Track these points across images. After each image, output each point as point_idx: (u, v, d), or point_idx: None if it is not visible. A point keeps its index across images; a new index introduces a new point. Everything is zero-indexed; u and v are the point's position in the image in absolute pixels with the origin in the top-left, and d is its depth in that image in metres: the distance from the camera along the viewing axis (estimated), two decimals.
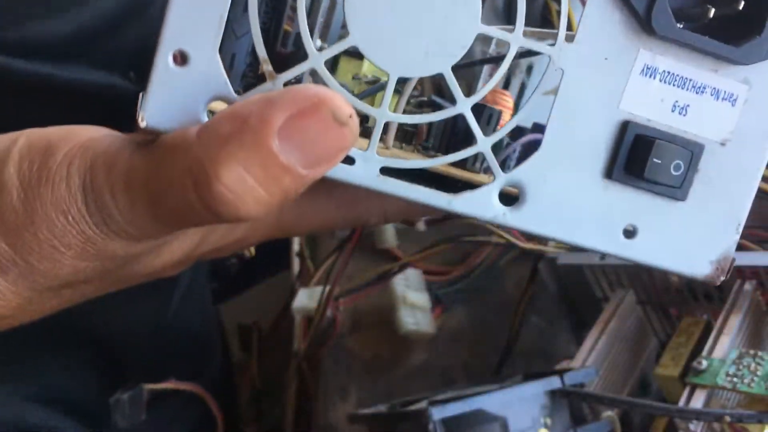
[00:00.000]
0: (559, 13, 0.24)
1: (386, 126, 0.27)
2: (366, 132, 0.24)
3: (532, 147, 0.26)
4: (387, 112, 0.23)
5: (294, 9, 0.32)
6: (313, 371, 0.59)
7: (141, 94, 0.22)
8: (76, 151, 0.22)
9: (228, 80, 0.22)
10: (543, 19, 0.40)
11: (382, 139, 0.25)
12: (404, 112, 0.30)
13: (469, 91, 0.24)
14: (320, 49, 0.22)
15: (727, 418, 0.33)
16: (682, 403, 0.36)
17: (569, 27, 0.24)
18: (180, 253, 0.27)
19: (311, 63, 0.22)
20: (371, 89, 0.29)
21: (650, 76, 0.25)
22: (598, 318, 0.44)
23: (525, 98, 0.36)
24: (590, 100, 0.24)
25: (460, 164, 0.28)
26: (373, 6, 0.22)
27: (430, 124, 0.30)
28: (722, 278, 0.26)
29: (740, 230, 0.26)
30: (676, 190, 0.25)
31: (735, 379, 0.36)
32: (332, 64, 0.33)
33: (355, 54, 0.33)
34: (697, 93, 0.25)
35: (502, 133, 0.24)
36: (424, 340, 0.55)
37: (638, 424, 0.42)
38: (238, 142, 0.20)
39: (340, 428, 0.53)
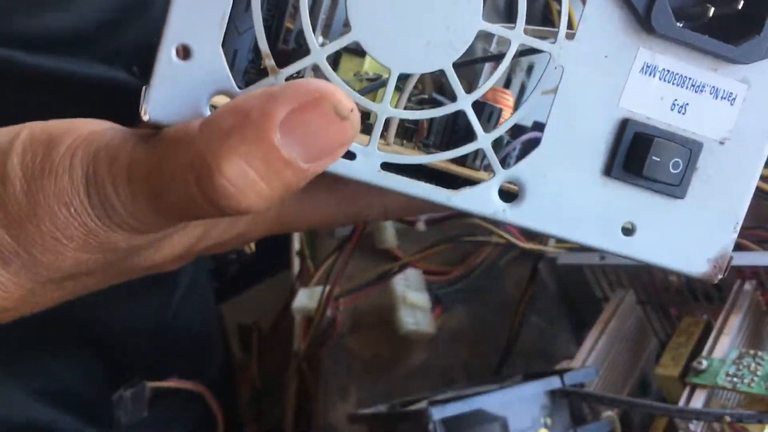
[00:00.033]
0: (559, 12, 0.24)
1: (387, 123, 0.27)
2: (367, 129, 0.24)
3: (532, 145, 0.26)
4: (388, 107, 0.23)
5: (296, 7, 0.32)
6: (313, 371, 0.59)
7: (144, 88, 0.22)
8: (78, 144, 0.23)
9: (230, 74, 0.22)
10: (544, 18, 0.40)
11: (382, 136, 0.25)
12: (405, 109, 0.30)
13: (470, 90, 0.24)
14: (322, 45, 0.23)
15: (727, 418, 0.33)
16: (682, 403, 0.36)
17: (570, 26, 0.24)
18: (181, 247, 0.27)
19: (313, 58, 0.22)
20: (373, 86, 0.30)
21: (650, 74, 0.25)
22: (598, 318, 0.44)
23: (525, 96, 0.37)
24: (590, 98, 0.25)
25: (461, 161, 0.28)
26: (375, 2, 0.22)
27: (431, 122, 0.30)
28: (720, 276, 0.26)
29: (738, 229, 0.26)
30: (675, 188, 0.25)
31: (735, 379, 0.36)
32: (334, 62, 0.33)
33: (356, 52, 0.34)
34: (696, 92, 0.25)
35: (502, 129, 0.24)
36: (424, 340, 0.55)
37: (638, 424, 0.42)
38: (240, 135, 0.20)
39: (340, 428, 0.53)
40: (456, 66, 0.23)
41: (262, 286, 0.73)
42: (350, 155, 0.24)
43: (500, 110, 0.29)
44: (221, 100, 0.23)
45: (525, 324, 0.51)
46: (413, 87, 0.30)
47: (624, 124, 0.25)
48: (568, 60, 0.24)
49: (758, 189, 0.31)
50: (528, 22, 0.23)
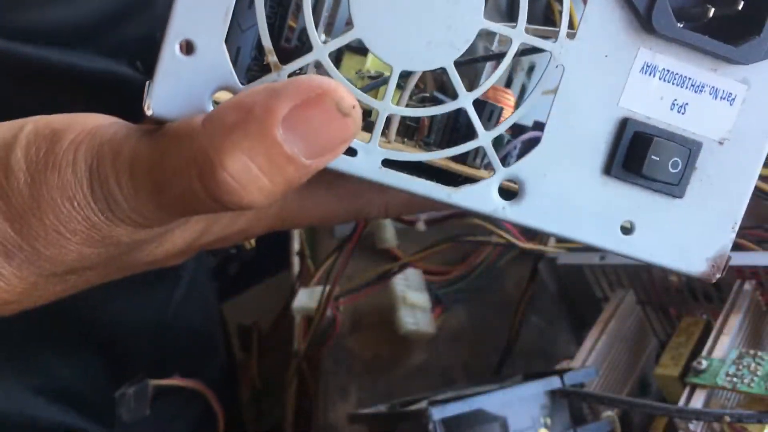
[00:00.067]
0: (561, 13, 0.24)
1: (388, 120, 0.27)
2: (368, 126, 0.25)
3: (532, 144, 0.26)
4: (390, 104, 0.23)
5: (299, 6, 0.32)
6: (313, 371, 0.59)
7: (147, 83, 0.23)
8: (82, 138, 0.23)
9: (233, 70, 0.23)
10: (546, 19, 0.40)
11: (384, 134, 0.25)
12: (407, 107, 0.30)
13: (471, 89, 0.24)
14: (324, 43, 0.23)
15: (727, 418, 0.33)
16: (681, 403, 0.36)
17: (571, 25, 0.25)
18: (182, 242, 0.27)
19: (316, 55, 0.23)
20: (374, 83, 0.30)
21: (650, 74, 0.25)
22: (598, 318, 0.44)
23: (526, 95, 0.37)
24: (590, 97, 0.25)
25: (461, 160, 0.28)
26: (378, 0, 0.22)
27: (432, 120, 0.30)
28: (718, 276, 0.26)
29: (736, 229, 0.26)
30: (674, 187, 0.25)
31: (735, 379, 0.36)
32: (336, 60, 0.33)
33: (358, 50, 0.34)
34: (696, 92, 0.25)
35: (502, 127, 0.24)
36: (424, 340, 0.55)
37: (638, 424, 0.42)
38: (243, 131, 0.21)
39: (340, 428, 0.53)
40: (457, 65, 0.24)
41: (262, 286, 0.74)
42: (352, 152, 0.24)
43: (501, 109, 0.29)
44: (223, 96, 0.23)
45: (525, 324, 0.51)
46: (414, 86, 0.30)
47: (624, 123, 0.25)
48: (568, 59, 0.24)
49: (758, 189, 0.31)
50: (529, 22, 0.24)
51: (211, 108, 0.23)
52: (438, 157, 0.24)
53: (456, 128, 0.30)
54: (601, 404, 0.40)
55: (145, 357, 0.50)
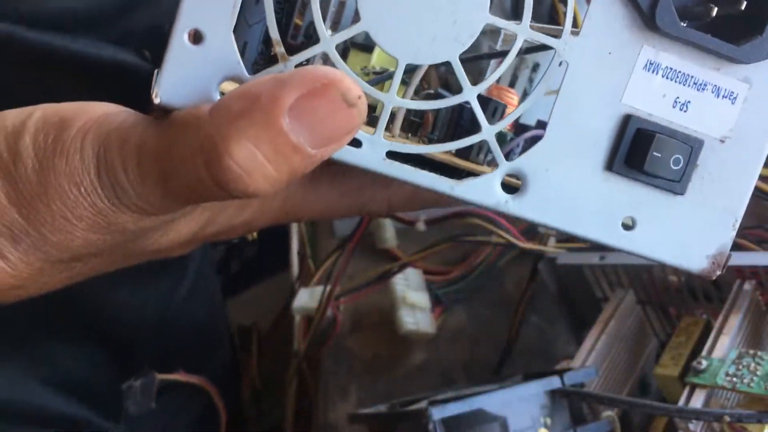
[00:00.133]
0: (565, 14, 0.25)
1: (393, 115, 0.27)
2: (373, 122, 0.25)
3: (535, 142, 0.26)
4: (395, 97, 0.24)
5: (305, 3, 0.32)
6: (313, 371, 0.59)
7: (156, 71, 0.23)
8: (90, 125, 0.23)
9: (241, 60, 0.23)
10: (550, 19, 0.41)
11: (388, 128, 0.25)
12: (409, 110, 0.30)
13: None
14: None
15: (727, 418, 0.33)
16: (681, 403, 0.36)
17: (574, 25, 0.25)
18: (187, 232, 0.27)
19: (323, 46, 0.23)
20: (379, 77, 0.30)
21: (653, 71, 0.25)
22: (598, 318, 0.44)
23: (530, 89, 0.37)
24: (593, 93, 0.25)
25: (465, 155, 0.28)
26: None
27: (436, 116, 0.30)
28: (718, 272, 0.27)
29: (737, 226, 0.27)
30: (675, 184, 0.26)
31: (734, 379, 0.36)
32: (341, 57, 0.34)
33: (363, 47, 0.34)
34: (698, 90, 0.25)
35: (507, 120, 0.25)
36: (424, 340, 0.55)
37: (638, 424, 0.42)
38: (249, 119, 0.21)
39: (340, 428, 0.53)
40: (462, 61, 0.24)
41: (262, 286, 0.74)
42: (356, 143, 0.24)
43: (505, 106, 0.29)
44: (230, 87, 0.23)
45: (525, 324, 0.51)
46: (419, 84, 0.30)
47: (626, 120, 0.25)
48: (572, 55, 0.24)
49: (758, 189, 0.31)
50: (534, 23, 0.24)
51: (218, 97, 0.23)
52: (442, 149, 0.25)
53: (459, 124, 0.30)
54: (601, 404, 0.40)
55: (149, 349, 0.50)
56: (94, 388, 0.46)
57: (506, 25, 0.24)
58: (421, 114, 0.30)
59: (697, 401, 0.36)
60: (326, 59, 0.23)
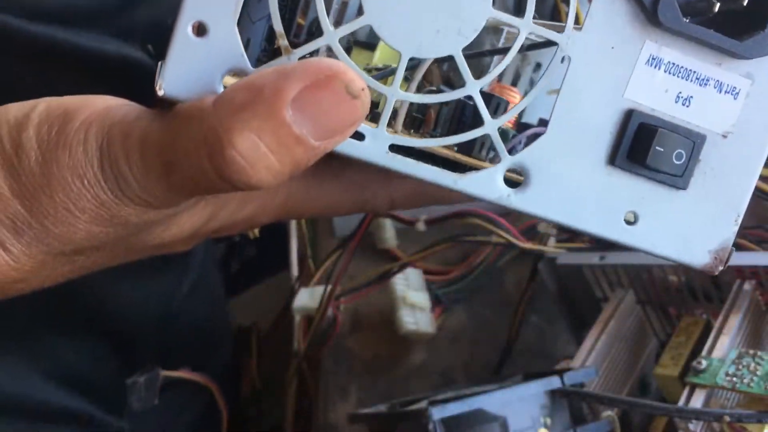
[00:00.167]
0: (567, 13, 0.25)
1: (395, 112, 0.27)
2: (375, 118, 0.25)
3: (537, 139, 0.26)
4: (398, 90, 0.24)
5: (307, 2, 0.32)
6: (313, 371, 0.59)
7: (160, 63, 0.23)
8: (94, 118, 0.23)
9: (244, 53, 0.23)
10: (552, 19, 0.41)
11: (390, 125, 0.25)
12: (411, 107, 0.30)
13: None
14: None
15: (727, 418, 0.33)
16: (681, 402, 0.36)
17: (577, 22, 0.25)
18: (190, 227, 0.27)
19: (326, 39, 0.23)
20: (383, 72, 0.30)
21: (655, 66, 0.25)
22: (598, 318, 0.44)
23: (534, 83, 0.37)
24: (596, 88, 0.25)
25: (467, 151, 0.28)
26: None
27: (438, 114, 0.30)
28: (720, 268, 0.27)
29: (739, 222, 0.27)
30: (678, 178, 0.26)
31: (734, 379, 0.36)
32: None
33: (366, 45, 0.34)
34: (700, 85, 0.26)
35: (510, 114, 0.25)
36: (424, 340, 0.55)
37: (638, 424, 0.42)
38: (252, 111, 0.21)
39: (340, 428, 0.53)
40: (465, 58, 0.24)
41: (262, 286, 0.74)
42: (359, 136, 0.24)
43: (507, 102, 0.29)
44: (232, 81, 0.23)
45: (525, 324, 0.51)
46: (421, 81, 0.30)
47: (629, 114, 0.25)
48: (575, 50, 0.25)
49: (758, 189, 0.31)
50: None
51: (221, 89, 0.23)
52: (445, 143, 0.25)
53: (462, 121, 0.30)
54: (601, 404, 0.40)
55: (151, 345, 0.50)
56: (96, 383, 0.46)
57: (509, 19, 0.24)
58: (423, 111, 0.30)
59: (697, 401, 0.36)
60: (330, 54, 0.23)
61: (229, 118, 0.21)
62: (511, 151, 0.31)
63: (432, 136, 0.31)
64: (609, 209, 0.26)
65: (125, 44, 0.37)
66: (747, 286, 0.40)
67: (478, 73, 0.35)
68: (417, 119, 0.30)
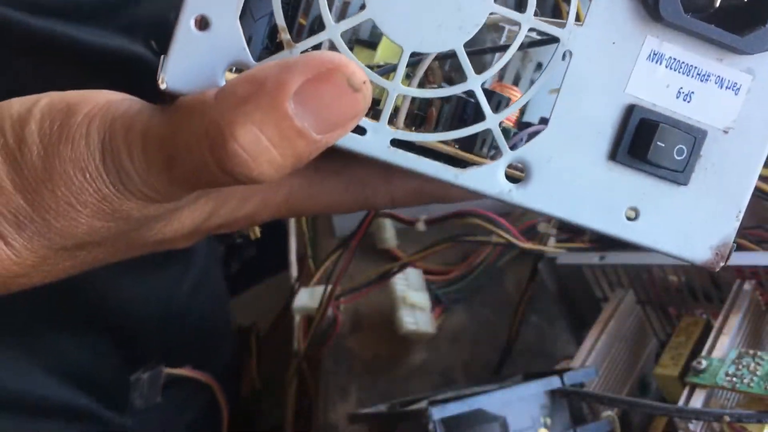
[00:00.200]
0: (569, 13, 0.25)
1: (397, 109, 0.27)
2: (377, 116, 0.25)
3: None
4: (399, 85, 0.24)
5: (309, 3, 0.32)
6: (313, 371, 0.59)
7: (162, 57, 0.23)
8: (96, 112, 0.23)
9: (246, 47, 0.23)
10: (554, 18, 0.41)
11: (392, 122, 0.25)
12: (413, 104, 0.30)
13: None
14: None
15: (727, 418, 0.33)
16: (681, 402, 0.36)
17: (578, 20, 0.25)
18: (191, 223, 0.27)
19: (328, 33, 0.23)
20: (384, 69, 0.30)
21: (656, 62, 0.25)
22: (598, 318, 0.44)
23: (537, 77, 0.37)
24: (597, 83, 0.25)
25: (468, 148, 0.28)
26: None
27: (440, 112, 0.30)
28: (722, 264, 0.27)
29: (740, 218, 0.27)
30: (679, 174, 0.26)
31: (734, 379, 0.36)
32: None
33: (368, 44, 0.34)
34: (701, 81, 0.26)
35: (512, 108, 0.25)
36: (424, 340, 0.55)
37: (638, 424, 0.42)
38: (254, 104, 0.21)
39: (340, 428, 0.53)
40: (467, 55, 0.24)
41: (262, 286, 0.74)
42: (361, 131, 0.24)
43: (508, 99, 0.29)
44: (233, 77, 0.23)
45: (525, 324, 0.51)
46: (423, 79, 0.30)
47: (630, 109, 0.25)
48: (576, 45, 0.25)
49: (758, 189, 0.31)
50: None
51: (223, 84, 0.23)
52: (446, 138, 0.25)
53: (463, 119, 0.30)
54: (601, 404, 0.40)
55: (154, 342, 0.50)
56: (98, 380, 0.46)
57: (510, 13, 0.24)
58: (425, 109, 0.30)
59: (697, 401, 0.36)
60: (332, 48, 0.23)
61: (231, 111, 0.21)
62: (513, 149, 0.31)
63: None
64: (610, 205, 0.26)
65: (128, 40, 0.37)
66: (747, 286, 0.40)
67: (480, 69, 0.35)
68: (419, 117, 0.30)
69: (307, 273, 0.61)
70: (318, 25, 0.24)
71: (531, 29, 0.24)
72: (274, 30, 0.29)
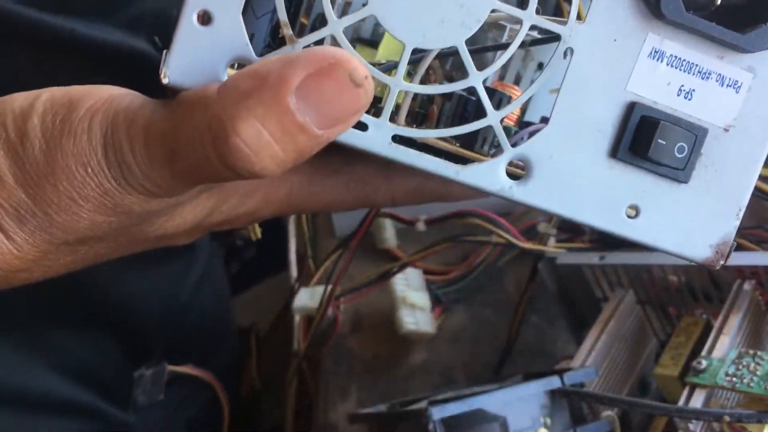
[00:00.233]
0: (570, 7, 0.25)
1: (398, 106, 0.27)
2: (378, 113, 0.25)
3: None
4: (401, 81, 0.24)
5: (311, 3, 0.33)
6: (313, 371, 0.59)
7: (164, 52, 0.23)
8: (98, 107, 0.23)
9: (249, 42, 0.23)
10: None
11: (393, 119, 0.25)
12: (414, 102, 0.30)
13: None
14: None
15: (727, 418, 0.33)
16: (681, 402, 0.36)
17: (579, 18, 0.25)
18: (192, 219, 0.27)
19: (331, 29, 0.23)
20: (386, 66, 0.30)
21: (658, 59, 0.25)
22: (598, 318, 0.44)
23: (538, 74, 0.37)
24: (598, 80, 0.25)
25: (469, 146, 0.28)
26: None
27: (441, 110, 0.30)
28: (722, 262, 0.27)
29: (741, 216, 0.27)
30: (679, 172, 0.26)
31: (734, 379, 0.36)
32: None
33: (369, 42, 0.34)
34: (702, 78, 0.26)
35: (513, 105, 0.25)
36: (424, 340, 0.55)
37: (638, 424, 0.42)
38: (257, 98, 0.21)
39: (340, 428, 0.53)
40: (469, 54, 0.24)
41: (262, 286, 0.74)
42: (362, 126, 0.24)
43: (510, 97, 0.29)
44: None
45: (525, 324, 0.51)
46: (425, 76, 0.30)
47: (631, 107, 0.25)
48: (578, 42, 0.25)
49: (758, 189, 0.31)
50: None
51: (225, 79, 0.23)
52: (447, 134, 0.25)
53: (464, 117, 0.30)
54: (601, 404, 0.40)
55: (156, 339, 0.50)
56: (100, 376, 0.46)
57: (512, 10, 0.24)
58: (426, 106, 0.30)
59: (697, 401, 0.36)
60: (334, 44, 0.23)
61: (234, 105, 0.21)
62: (513, 146, 0.31)
63: None
64: (610, 202, 0.26)
65: (130, 35, 0.37)
66: (747, 286, 0.40)
67: (482, 67, 0.35)
68: (420, 115, 0.30)
69: (307, 273, 0.61)
70: (320, 23, 0.24)
71: (533, 27, 0.24)
72: (276, 28, 0.29)
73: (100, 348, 0.46)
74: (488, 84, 0.34)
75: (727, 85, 0.26)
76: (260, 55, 0.24)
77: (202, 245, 0.53)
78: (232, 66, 0.24)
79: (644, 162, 0.25)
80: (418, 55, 0.25)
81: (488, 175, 0.25)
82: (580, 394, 0.39)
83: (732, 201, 0.26)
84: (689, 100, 0.26)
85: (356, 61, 0.21)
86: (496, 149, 0.27)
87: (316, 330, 0.54)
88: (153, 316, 0.49)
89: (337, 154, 0.29)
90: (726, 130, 0.26)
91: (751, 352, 0.37)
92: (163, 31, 0.24)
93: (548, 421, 0.39)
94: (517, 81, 0.38)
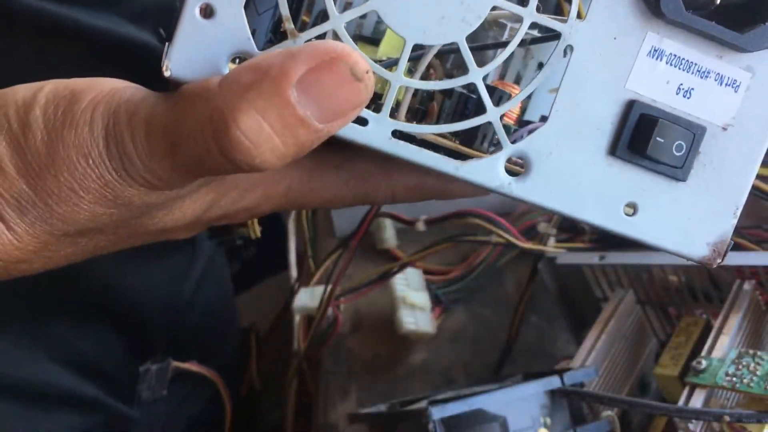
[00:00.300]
0: (570, 9, 0.25)
1: (398, 103, 0.27)
2: (379, 110, 0.25)
3: None
4: (401, 76, 0.24)
5: (312, 3, 0.33)
6: (313, 371, 0.59)
7: (167, 45, 0.23)
8: (100, 99, 0.23)
9: (251, 36, 0.23)
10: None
11: (393, 115, 0.25)
12: (415, 98, 0.30)
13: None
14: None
15: (727, 418, 0.33)
16: (681, 402, 0.36)
17: (579, 17, 0.25)
18: (192, 213, 0.28)
19: (332, 24, 0.23)
20: (387, 62, 0.30)
21: (657, 58, 0.25)
22: (598, 318, 0.44)
23: (538, 72, 0.37)
24: (598, 78, 0.25)
25: (469, 143, 0.28)
26: None
27: (441, 107, 0.30)
28: (719, 261, 0.27)
29: (738, 214, 0.27)
30: (678, 170, 0.26)
31: (734, 379, 0.36)
32: None
33: (370, 40, 0.35)
34: (701, 77, 0.26)
35: (512, 102, 0.25)
36: (424, 340, 0.55)
37: (637, 424, 0.42)
38: (258, 91, 0.21)
39: (340, 428, 0.53)
40: (470, 51, 0.24)
41: (262, 286, 0.74)
42: (363, 121, 0.24)
43: (509, 95, 0.29)
44: None
45: (525, 324, 0.51)
46: (425, 74, 0.30)
47: (630, 105, 0.25)
48: (577, 40, 0.25)
49: (758, 189, 0.31)
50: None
51: (227, 72, 0.23)
52: (447, 130, 0.25)
53: (464, 114, 0.30)
54: (601, 404, 0.40)
55: (159, 334, 0.50)
56: (103, 369, 0.46)
57: (513, 7, 0.24)
58: (426, 103, 0.30)
59: (697, 401, 0.36)
60: (335, 39, 0.24)
61: (235, 98, 0.21)
62: (513, 143, 0.31)
63: None
64: (609, 199, 0.26)
65: (135, 27, 0.37)
66: (747, 286, 0.40)
67: (482, 65, 0.35)
68: (420, 111, 0.30)
69: (307, 273, 0.61)
70: (322, 19, 0.24)
71: (533, 25, 0.24)
72: (277, 24, 0.29)
73: (101, 341, 0.46)
74: (488, 82, 0.34)
75: (726, 84, 0.26)
76: (262, 49, 0.24)
77: (203, 240, 0.53)
78: (233, 60, 0.24)
79: (643, 160, 0.25)
80: (418, 52, 0.25)
81: (487, 171, 0.25)
82: (580, 394, 0.39)
83: (730, 200, 0.26)
84: (688, 98, 0.26)
85: (357, 55, 0.22)
86: (496, 147, 0.27)
87: (316, 330, 0.54)
88: (154, 310, 0.49)
89: (337, 150, 0.29)
90: (724, 129, 0.26)
91: (751, 352, 0.37)
92: (169, 22, 0.24)
93: (548, 421, 0.39)
94: (518, 80, 0.38)
